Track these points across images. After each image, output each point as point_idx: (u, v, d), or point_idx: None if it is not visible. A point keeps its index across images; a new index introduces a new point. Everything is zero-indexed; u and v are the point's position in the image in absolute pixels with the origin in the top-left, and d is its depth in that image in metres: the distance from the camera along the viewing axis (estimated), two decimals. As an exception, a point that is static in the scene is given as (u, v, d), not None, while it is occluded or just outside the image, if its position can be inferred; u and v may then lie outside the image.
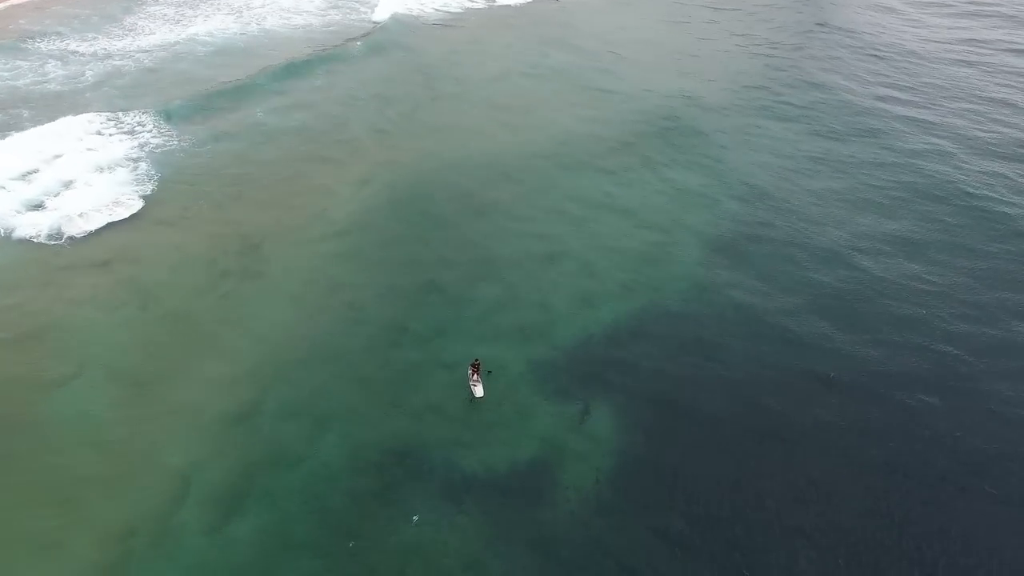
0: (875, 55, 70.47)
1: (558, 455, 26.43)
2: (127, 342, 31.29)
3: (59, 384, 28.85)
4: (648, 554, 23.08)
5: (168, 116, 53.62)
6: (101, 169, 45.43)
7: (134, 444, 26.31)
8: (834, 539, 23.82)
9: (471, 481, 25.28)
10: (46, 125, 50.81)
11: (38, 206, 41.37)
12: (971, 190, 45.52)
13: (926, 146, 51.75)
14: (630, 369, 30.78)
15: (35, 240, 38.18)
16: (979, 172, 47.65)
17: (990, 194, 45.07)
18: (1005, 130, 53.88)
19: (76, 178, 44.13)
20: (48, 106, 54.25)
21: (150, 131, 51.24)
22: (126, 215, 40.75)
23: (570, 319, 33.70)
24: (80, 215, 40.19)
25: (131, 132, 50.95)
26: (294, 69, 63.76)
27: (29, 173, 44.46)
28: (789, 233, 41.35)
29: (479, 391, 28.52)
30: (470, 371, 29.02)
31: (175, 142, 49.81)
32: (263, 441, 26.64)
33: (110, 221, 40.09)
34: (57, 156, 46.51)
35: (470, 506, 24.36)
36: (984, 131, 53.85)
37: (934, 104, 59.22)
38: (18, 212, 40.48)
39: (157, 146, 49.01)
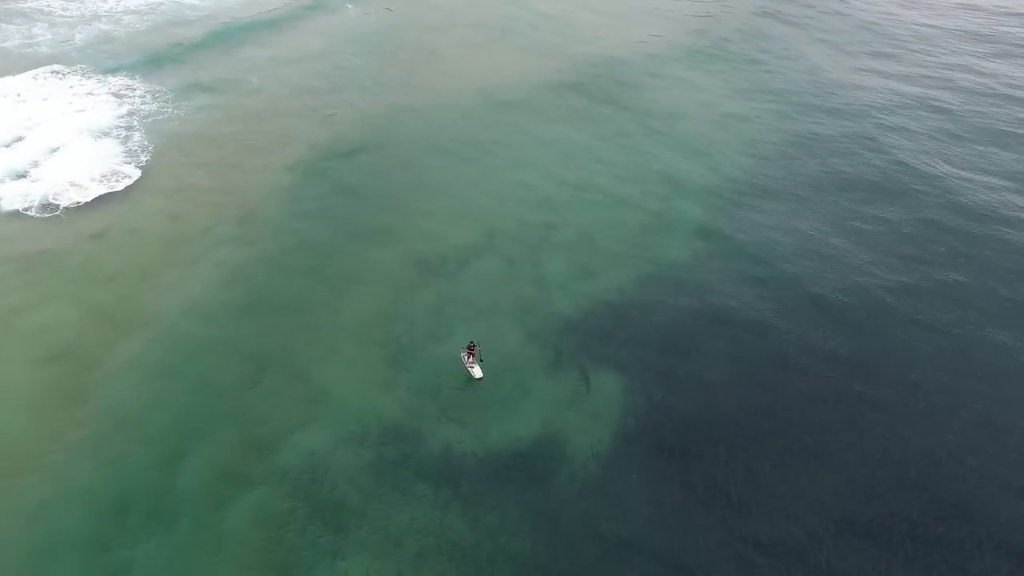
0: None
1: (556, 431, 26.24)
2: (122, 315, 30.83)
3: (52, 357, 28.50)
4: (645, 528, 23.13)
5: (160, 79, 52.29)
6: (92, 136, 44.25)
7: (125, 417, 26.11)
8: (830, 511, 23.91)
9: (469, 459, 25.08)
10: (35, 89, 49.71)
11: (24, 175, 40.23)
12: (947, 169, 44.75)
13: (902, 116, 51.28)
14: (629, 340, 30.78)
15: (27, 212, 37.30)
16: (961, 151, 46.90)
17: (967, 174, 44.34)
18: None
19: (66, 145, 42.96)
20: (39, 69, 52.89)
21: (141, 96, 49.86)
22: (120, 187, 39.73)
23: (567, 290, 33.36)
24: (72, 186, 39.21)
25: (122, 96, 49.59)
26: (282, 25, 63.39)
27: (15, 140, 43.22)
28: (782, 199, 41.11)
29: (477, 372, 28.13)
30: (465, 354, 28.54)
31: (168, 108, 48.50)
32: (254, 417, 26.37)
33: (103, 192, 39.12)
34: (46, 121, 45.27)
35: (468, 484, 24.22)
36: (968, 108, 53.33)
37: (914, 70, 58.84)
38: (1, 182, 39.45)
39: (149, 113, 47.69)
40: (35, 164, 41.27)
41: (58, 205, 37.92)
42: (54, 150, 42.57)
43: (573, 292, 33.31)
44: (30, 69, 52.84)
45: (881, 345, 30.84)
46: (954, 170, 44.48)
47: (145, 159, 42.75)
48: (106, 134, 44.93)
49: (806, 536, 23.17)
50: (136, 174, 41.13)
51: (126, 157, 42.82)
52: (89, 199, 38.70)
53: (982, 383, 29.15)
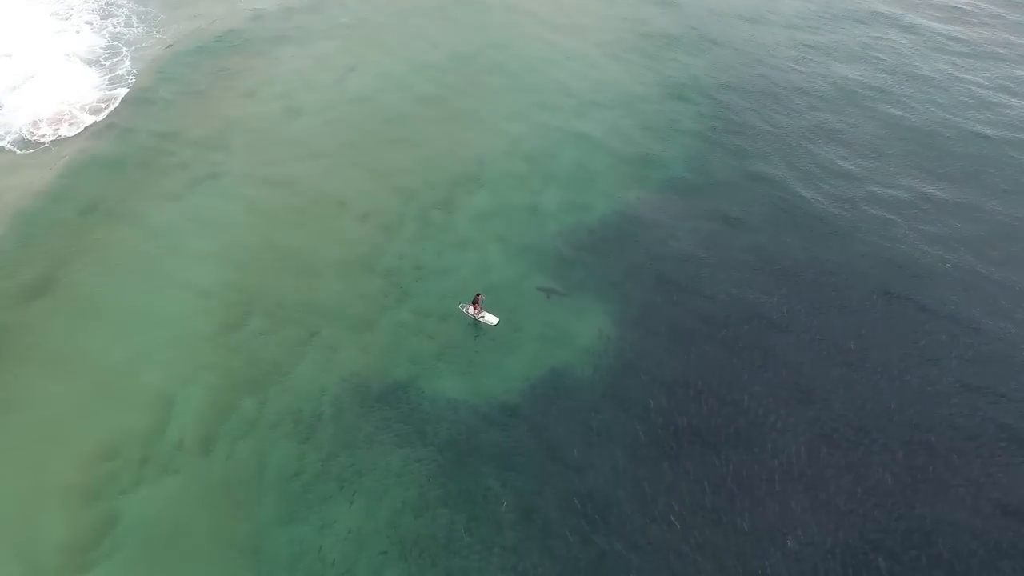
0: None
1: (555, 370, 25.06)
2: (103, 254, 28.98)
3: (33, 297, 26.88)
4: (641, 463, 22.18)
5: (144, -1, 48.68)
6: (72, 60, 41.22)
7: (114, 361, 24.69)
8: (814, 446, 22.88)
9: (467, 402, 23.73)
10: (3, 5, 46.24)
11: None
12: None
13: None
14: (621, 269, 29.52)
15: (2, 146, 34.76)
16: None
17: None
18: None
19: (44, 71, 40.00)
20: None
21: (126, 16, 46.24)
22: (102, 116, 37.02)
23: (560, 221, 31.89)
24: (51, 116, 36.53)
25: (104, 15, 46.14)
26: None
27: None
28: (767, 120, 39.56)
29: (492, 319, 26.41)
30: (470, 307, 26.55)
31: (156, 32, 44.90)
32: (246, 360, 24.86)
33: (88, 123, 36.44)
34: (19, 44, 42.17)
35: (468, 426, 22.92)
36: None
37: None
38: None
39: (133, 39, 44.14)
40: (10, 92, 38.40)
41: (39, 139, 35.35)
42: (31, 76, 39.65)
43: (568, 220, 32.05)
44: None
45: (873, 284, 29.23)
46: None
47: (130, 81, 39.86)
48: (88, 59, 41.77)
49: (784, 471, 22.09)
50: (118, 98, 38.32)
51: (110, 84, 39.83)
52: (72, 132, 36.07)
53: (984, 316, 27.76)
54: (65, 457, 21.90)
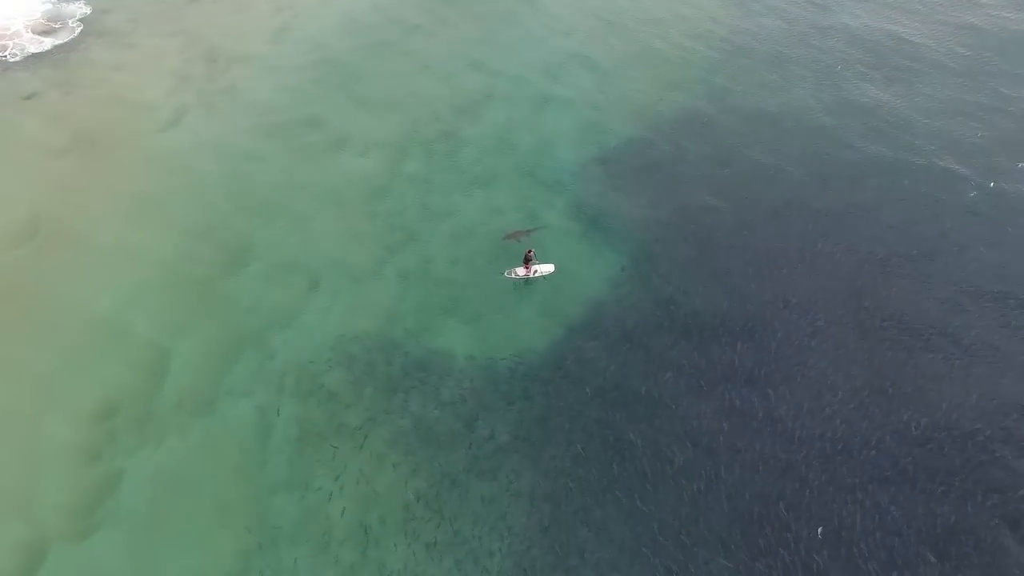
0: None
1: (573, 307, 23.95)
2: (74, 193, 26.70)
3: (16, 243, 24.96)
4: (666, 411, 21.09)
5: None
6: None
7: (101, 312, 23.04)
8: (834, 372, 22.34)
9: (472, 356, 22.48)
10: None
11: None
12: None
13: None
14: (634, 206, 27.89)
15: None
16: None
17: None
18: None
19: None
20: None
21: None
22: (62, 38, 33.77)
23: (572, 153, 29.98)
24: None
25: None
26: None
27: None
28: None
29: (548, 267, 24.90)
30: (520, 269, 24.71)
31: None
32: (244, 310, 23.34)
33: (44, 46, 33.27)
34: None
35: (471, 383, 21.83)
36: None
37: None
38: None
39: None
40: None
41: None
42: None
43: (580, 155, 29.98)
44: None
45: (906, 232, 27.60)
46: None
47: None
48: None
49: (809, 409, 21.41)
50: (76, 16, 34.85)
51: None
52: (19, 54, 32.93)
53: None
54: (61, 416, 20.72)
